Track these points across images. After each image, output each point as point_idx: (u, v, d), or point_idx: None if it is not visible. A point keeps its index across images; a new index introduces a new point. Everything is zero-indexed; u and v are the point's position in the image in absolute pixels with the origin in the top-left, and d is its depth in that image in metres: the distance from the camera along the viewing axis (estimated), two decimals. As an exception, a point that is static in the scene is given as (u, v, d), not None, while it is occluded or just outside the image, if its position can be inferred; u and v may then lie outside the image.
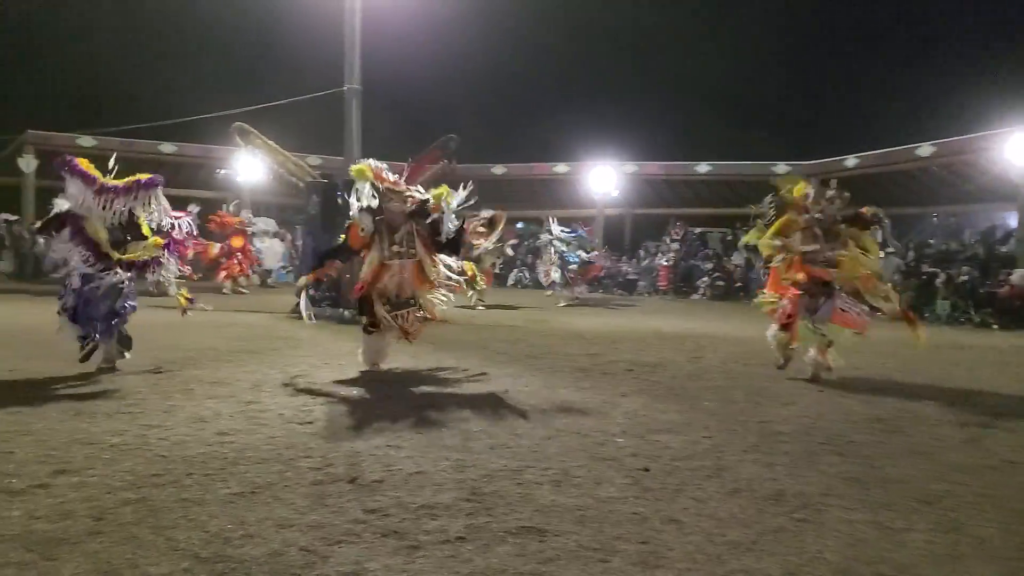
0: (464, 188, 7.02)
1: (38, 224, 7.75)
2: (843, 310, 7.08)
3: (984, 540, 3.26)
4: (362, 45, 14.14)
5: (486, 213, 14.07)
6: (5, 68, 27.94)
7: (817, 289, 7.13)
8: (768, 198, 7.61)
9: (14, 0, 25.64)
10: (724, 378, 7.30)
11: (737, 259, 21.50)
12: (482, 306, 14.78)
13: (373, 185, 6.78)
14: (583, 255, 17.33)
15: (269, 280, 20.81)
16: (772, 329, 7.54)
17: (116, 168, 6.75)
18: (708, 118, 31.33)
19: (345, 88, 14.06)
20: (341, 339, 9.13)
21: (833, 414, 5.79)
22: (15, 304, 13.13)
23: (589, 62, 33.34)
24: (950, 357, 9.59)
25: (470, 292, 14.47)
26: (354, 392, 6.20)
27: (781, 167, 25.42)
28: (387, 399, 5.91)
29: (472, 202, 7.29)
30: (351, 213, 6.98)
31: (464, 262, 8.02)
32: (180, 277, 7.16)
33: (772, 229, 7.38)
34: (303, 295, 7.54)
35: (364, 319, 7.09)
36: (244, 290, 17.33)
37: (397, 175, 7.11)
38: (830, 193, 7.29)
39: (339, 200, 10.67)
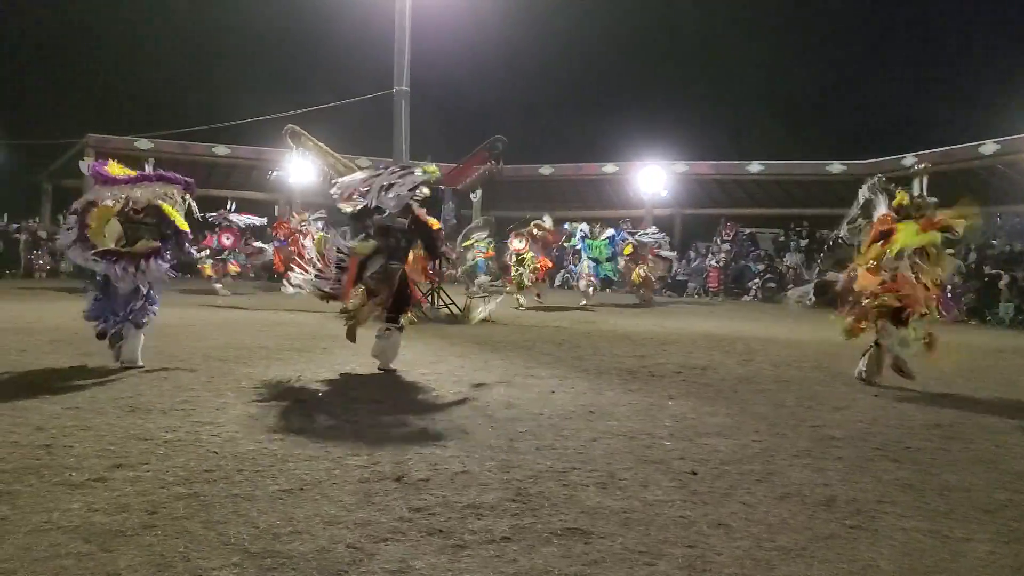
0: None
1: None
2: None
3: (1049, 552, 3.13)
4: (411, 46, 14.30)
5: (547, 219, 14.18)
6: (68, 73, 28.97)
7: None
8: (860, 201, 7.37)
9: (76, 9, 26.58)
10: (775, 382, 7.17)
11: (790, 260, 21.10)
12: (523, 305, 14.74)
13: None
14: (664, 252, 17.32)
15: None
16: (891, 333, 6.97)
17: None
18: (760, 117, 30.91)
19: (394, 90, 14.23)
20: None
21: (889, 419, 5.64)
22: (79, 302, 13.52)
23: (638, 62, 33.09)
24: (1013, 362, 9.28)
25: (516, 295, 14.51)
26: (400, 392, 6.25)
27: (835, 166, 24.98)
28: (432, 399, 5.95)
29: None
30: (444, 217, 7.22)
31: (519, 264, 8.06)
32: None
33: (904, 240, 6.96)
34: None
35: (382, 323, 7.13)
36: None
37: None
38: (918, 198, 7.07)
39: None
